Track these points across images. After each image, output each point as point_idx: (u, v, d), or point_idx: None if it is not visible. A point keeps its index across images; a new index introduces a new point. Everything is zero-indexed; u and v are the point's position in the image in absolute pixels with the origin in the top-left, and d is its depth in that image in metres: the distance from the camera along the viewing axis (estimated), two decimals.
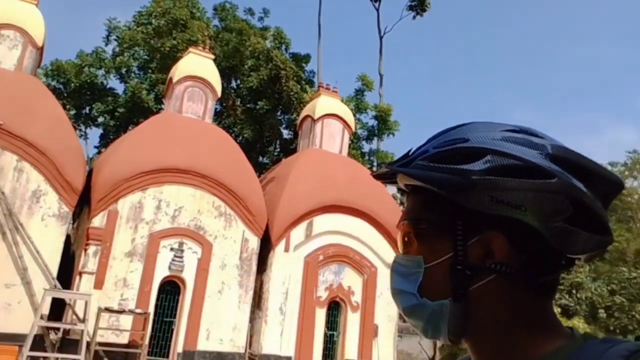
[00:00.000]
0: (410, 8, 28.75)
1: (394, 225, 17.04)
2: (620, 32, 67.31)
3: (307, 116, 18.34)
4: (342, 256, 15.89)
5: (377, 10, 30.49)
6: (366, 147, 28.32)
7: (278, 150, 29.01)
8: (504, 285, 0.74)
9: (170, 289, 13.40)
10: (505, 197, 0.73)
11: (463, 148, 0.78)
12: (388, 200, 17.85)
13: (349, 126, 18.54)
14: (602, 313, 15.85)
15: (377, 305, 16.24)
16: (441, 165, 0.76)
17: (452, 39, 75.71)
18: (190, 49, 17.01)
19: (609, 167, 37.09)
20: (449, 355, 16.37)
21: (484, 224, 0.74)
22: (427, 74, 77.19)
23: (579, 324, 14.75)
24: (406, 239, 0.81)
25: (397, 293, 0.80)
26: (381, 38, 30.23)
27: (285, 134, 28.83)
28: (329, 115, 18.04)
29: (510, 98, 73.91)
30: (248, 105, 27.03)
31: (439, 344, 19.33)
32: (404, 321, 21.75)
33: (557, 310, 17.60)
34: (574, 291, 16.59)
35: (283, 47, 26.31)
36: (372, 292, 16.21)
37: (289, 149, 29.47)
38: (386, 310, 16.47)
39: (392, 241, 16.79)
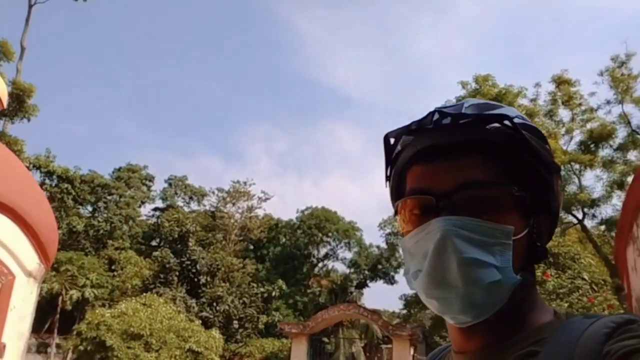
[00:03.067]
0: None
1: (42, 227, 14.59)
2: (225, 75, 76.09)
3: None
4: None
5: None
6: None
7: None
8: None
9: None
10: (558, 187, 0.79)
11: (534, 129, 0.76)
12: (39, 197, 15.21)
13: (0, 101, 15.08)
14: (235, 324, 17.70)
15: (7, 320, 13.45)
16: (541, 142, 0.75)
17: (109, 34, 70.00)
18: None
19: (217, 192, 41.17)
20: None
21: (537, 206, 0.75)
22: (80, 64, 69.31)
23: (216, 334, 16.06)
24: (479, 203, 0.71)
25: (472, 264, 0.68)
26: (31, 7, 25.94)
27: None
28: None
29: (123, 107, 73.28)
30: None
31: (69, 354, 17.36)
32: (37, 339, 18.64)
33: (197, 322, 18.58)
34: (214, 304, 17.97)
35: None
36: (5, 305, 13.19)
37: None
38: (17, 327, 13.70)
39: (38, 245, 14.34)
